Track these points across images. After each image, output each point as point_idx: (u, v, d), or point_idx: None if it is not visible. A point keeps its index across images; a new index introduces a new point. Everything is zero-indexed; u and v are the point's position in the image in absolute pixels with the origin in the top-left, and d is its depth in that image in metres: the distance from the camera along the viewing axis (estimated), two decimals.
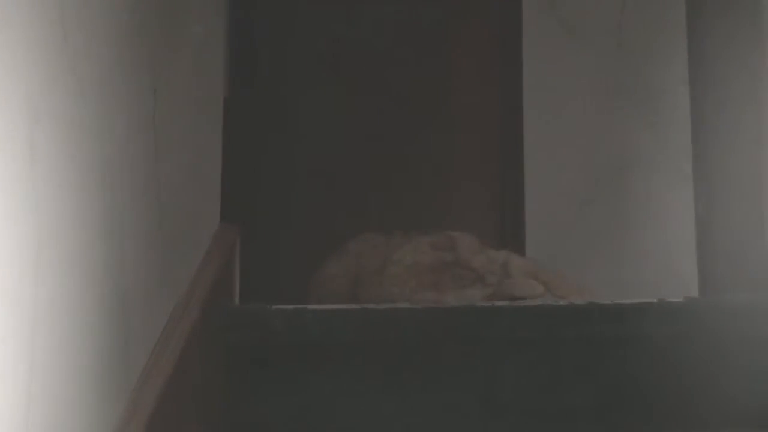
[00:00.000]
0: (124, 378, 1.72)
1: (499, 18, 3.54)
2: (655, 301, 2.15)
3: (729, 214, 2.77)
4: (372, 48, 3.52)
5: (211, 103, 2.45)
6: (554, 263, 2.66)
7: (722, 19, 2.81)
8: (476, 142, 3.50)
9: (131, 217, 1.74)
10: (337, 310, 2.23)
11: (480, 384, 2.14)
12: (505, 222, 3.36)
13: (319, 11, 3.54)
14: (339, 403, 2.16)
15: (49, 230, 1.39)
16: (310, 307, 2.23)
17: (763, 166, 2.27)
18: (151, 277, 1.86)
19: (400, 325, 2.20)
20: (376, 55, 3.52)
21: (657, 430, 2.02)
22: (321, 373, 2.19)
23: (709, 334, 2.11)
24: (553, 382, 2.12)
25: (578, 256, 3.15)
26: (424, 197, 3.43)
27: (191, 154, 2.19)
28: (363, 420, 2.15)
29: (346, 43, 3.53)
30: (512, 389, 2.12)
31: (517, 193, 3.40)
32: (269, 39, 3.51)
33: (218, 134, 2.47)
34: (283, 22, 3.56)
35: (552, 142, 3.41)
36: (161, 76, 1.95)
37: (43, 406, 1.38)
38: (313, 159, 3.49)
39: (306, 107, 3.52)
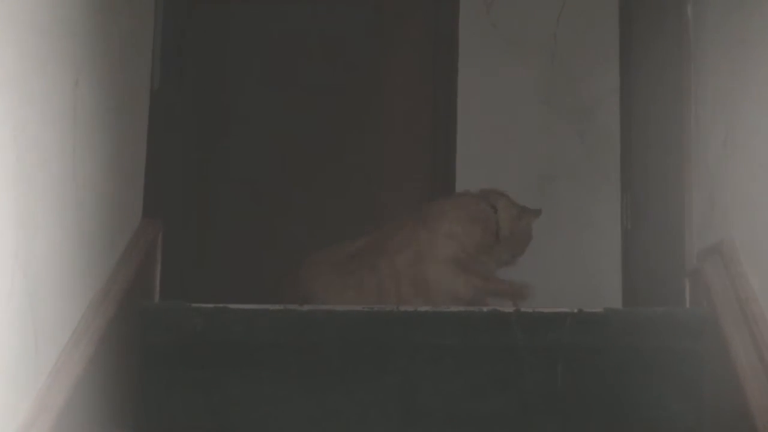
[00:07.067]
0: (32, 375, 1.68)
1: (435, 23, 3.55)
2: (575, 311, 2.17)
3: (652, 227, 2.80)
4: (306, 44, 3.51)
5: (138, 97, 2.41)
6: None
7: (651, 36, 2.85)
8: (408, 147, 3.50)
9: (45, 208, 1.70)
10: (259, 310, 2.21)
11: (399, 388, 2.13)
12: None
13: (253, 8, 3.52)
14: (258, 403, 2.14)
15: None
16: (231, 306, 2.20)
17: (686, 179, 2.29)
18: (65, 273, 1.81)
19: (321, 327, 2.19)
20: (310, 51, 3.50)
21: None
22: (241, 373, 2.16)
23: (627, 345, 2.13)
24: (471, 389, 2.12)
25: None
26: (353, 201, 3.42)
27: (114, 147, 2.15)
28: (281, 421, 2.13)
29: (279, 39, 3.51)
30: (430, 394, 2.12)
31: None
32: (200, 33, 3.47)
33: (144, 128, 2.43)
34: (216, 17, 3.53)
35: (483, 150, 3.42)
36: (84, 68, 1.91)
37: None
38: (242, 155, 3.46)
39: (236, 103, 3.49)
